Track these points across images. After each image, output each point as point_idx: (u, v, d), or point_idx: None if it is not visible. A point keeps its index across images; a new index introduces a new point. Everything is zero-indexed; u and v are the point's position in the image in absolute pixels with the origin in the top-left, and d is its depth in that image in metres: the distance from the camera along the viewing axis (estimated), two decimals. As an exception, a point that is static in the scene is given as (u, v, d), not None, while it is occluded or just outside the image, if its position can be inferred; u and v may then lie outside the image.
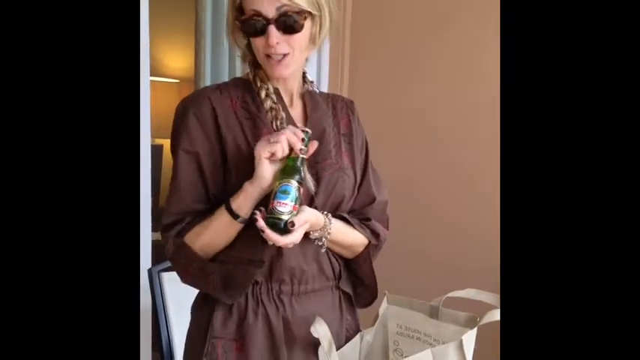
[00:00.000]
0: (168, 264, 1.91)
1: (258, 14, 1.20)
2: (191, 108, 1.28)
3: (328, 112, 1.40)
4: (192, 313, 1.38)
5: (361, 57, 2.77)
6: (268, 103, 1.30)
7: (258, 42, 1.24)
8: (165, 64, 3.95)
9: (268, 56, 1.25)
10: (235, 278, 1.25)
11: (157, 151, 3.62)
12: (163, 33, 3.61)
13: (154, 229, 2.34)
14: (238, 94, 1.31)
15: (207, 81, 2.65)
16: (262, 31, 1.22)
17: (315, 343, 1.24)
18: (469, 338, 1.19)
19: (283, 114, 1.29)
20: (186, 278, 1.31)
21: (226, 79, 2.65)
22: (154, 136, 2.94)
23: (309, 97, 1.38)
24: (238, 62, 2.65)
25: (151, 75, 2.30)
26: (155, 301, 1.88)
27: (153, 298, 1.89)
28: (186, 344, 1.37)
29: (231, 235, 1.26)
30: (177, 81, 3.93)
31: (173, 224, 1.28)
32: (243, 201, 1.22)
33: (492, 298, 1.31)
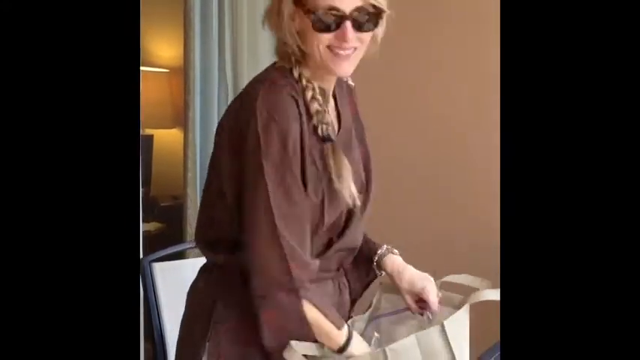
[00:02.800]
0: (159, 254, 1.91)
1: (335, 9, 1.16)
2: (288, 115, 1.18)
3: (347, 109, 1.38)
4: (190, 297, 1.35)
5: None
6: (315, 106, 1.22)
7: (326, 38, 1.18)
8: (155, 54, 3.92)
9: (335, 54, 1.20)
10: None
11: (147, 141, 3.61)
12: (151, 22, 3.58)
13: (144, 220, 2.34)
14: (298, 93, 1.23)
15: (196, 70, 2.63)
16: (335, 27, 1.18)
17: None
18: (452, 321, 1.20)
19: (329, 118, 1.23)
20: (266, 324, 1.20)
21: (216, 68, 2.66)
22: (144, 126, 2.93)
23: (338, 92, 1.35)
24: (228, 51, 2.64)
25: (141, 65, 2.29)
26: (147, 292, 1.88)
27: (144, 289, 1.88)
28: (183, 327, 1.34)
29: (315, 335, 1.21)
30: (167, 70, 3.91)
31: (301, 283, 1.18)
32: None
33: (480, 282, 1.32)
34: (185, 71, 2.66)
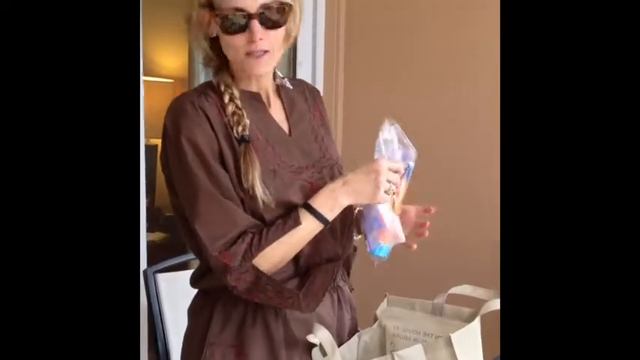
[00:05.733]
0: (163, 265, 1.91)
1: (240, 10, 1.17)
2: (186, 127, 1.20)
3: (305, 106, 1.39)
4: (189, 316, 1.36)
5: (356, 54, 2.76)
6: (230, 108, 1.23)
7: (237, 40, 1.20)
8: (159, 64, 3.93)
9: (248, 54, 1.21)
10: (316, 285, 1.22)
11: (151, 151, 3.61)
12: (156, 32, 3.59)
13: (148, 230, 2.34)
14: (219, 102, 1.25)
15: (201, 80, 2.63)
16: (244, 28, 1.19)
17: (314, 345, 1.24)
18: (460, 334, 1.20)
19: (247, 121, 1.23)
20: (256, 298, 1.22)
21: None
22: (148, 136, 2.93)
23: (284, 94, 1.36)
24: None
25: (144, 75, 2.29)
26: (151, 302, 1.88)
27: (148, 299, 1.88)
28: (183, 349, 1.35)
29: (308, 240, 1.23)
30: (172, 81, 3.92)
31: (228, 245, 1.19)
32: (333, 206, 1.21)
33: (488, 293, 1.32)
34: (189, 81, 2.67)
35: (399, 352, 1.18)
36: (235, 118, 1.23)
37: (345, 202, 1.22)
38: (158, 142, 4.21)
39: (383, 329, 1.40)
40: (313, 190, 1.24)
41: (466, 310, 1.35)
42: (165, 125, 1.23)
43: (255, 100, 1.30)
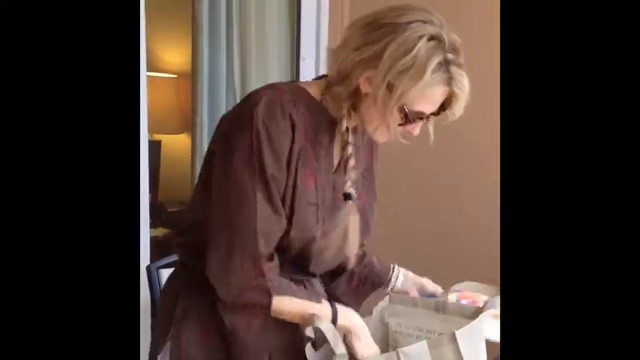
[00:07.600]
0: (166, 260, 1.91)
1: (421, 114, 1.24)
2: (272, 123, 1.19)
3: (366, 151, 1.42)
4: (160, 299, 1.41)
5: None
6: (344, 138, 1.26)
7: (400, 126, 1.25)
8: (162, 59, 3.93)
9: (387, 129, 1.26)
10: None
11: (154, 146, 3.61)
12: (160, 28, 3.59)
13: (151, 226, 2.34)
14: (312, 119, 1.25)
15: (204, 76, 2.63)
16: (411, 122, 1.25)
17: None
18: (464, 331, 1.21)
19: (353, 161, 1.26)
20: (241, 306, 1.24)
21: (224, 74, 2.66)
22: (151, 131, 2.94)
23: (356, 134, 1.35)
24: (236, 56, 2.64)
25: (148, 70, 2.29)
26: (154, 298, 1.87)
27: (152, 295, 1.88)
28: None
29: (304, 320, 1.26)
30: (175, 76, 3.91)
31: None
32: (346, 322, 1.26)
33: (491, 290, 1.33)
34: (193, 77, 2.66)
35: (404, 349, 1.19)
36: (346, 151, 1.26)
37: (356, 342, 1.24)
38: (162, 137, 4.21)
39: (386, 326, 1.40)
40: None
41: (469, 307, 1.35)
42: (251, 117, 1.19)
43: (332, 124, 1.28)
